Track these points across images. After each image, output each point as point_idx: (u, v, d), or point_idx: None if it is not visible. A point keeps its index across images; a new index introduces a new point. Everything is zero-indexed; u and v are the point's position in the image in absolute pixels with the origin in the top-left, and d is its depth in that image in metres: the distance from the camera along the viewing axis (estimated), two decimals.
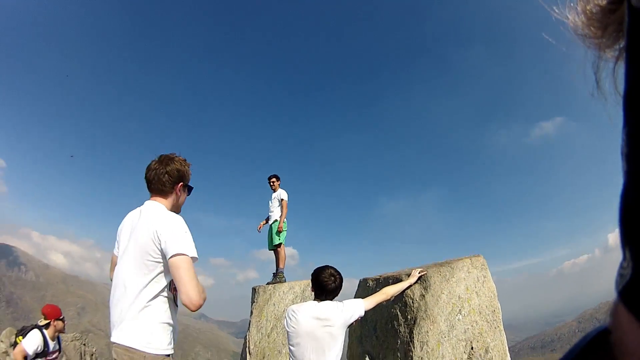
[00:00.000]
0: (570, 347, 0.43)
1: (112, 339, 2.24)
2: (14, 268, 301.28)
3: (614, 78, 0.36)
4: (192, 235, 2.24)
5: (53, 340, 4.51)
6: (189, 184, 2.51)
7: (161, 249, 2.13)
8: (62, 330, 4.58)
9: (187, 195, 2.52)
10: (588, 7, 0.38)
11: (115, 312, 2.27)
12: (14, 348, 4.52)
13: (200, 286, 2.10)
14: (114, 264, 2.45)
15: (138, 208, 2.42)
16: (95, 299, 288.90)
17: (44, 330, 4.43)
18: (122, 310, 2.21)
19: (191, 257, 2.13)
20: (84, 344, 33.88)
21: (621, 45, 0.37)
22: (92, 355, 33.79)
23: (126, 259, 2.27)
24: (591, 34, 0.38)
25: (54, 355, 4.47)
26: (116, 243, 2.48)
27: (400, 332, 3.66)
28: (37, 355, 4.27)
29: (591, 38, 0.38)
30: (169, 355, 2.21)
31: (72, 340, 33.44)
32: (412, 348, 3.35)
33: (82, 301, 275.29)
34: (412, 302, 3.49)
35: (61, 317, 4.60)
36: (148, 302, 2.18)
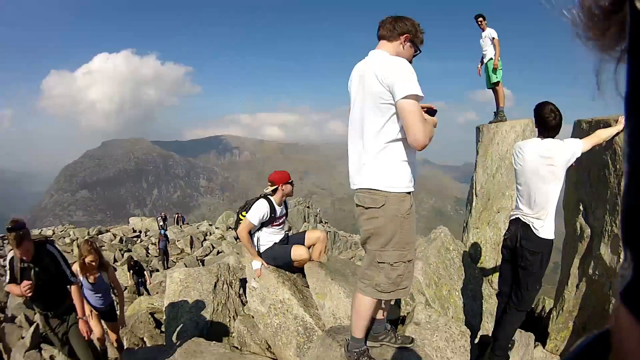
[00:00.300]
0: (571, 349, 0.47)
1: (354, 186, 2.74)
2: (225, 154, 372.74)
3: (615, 79, 0.40)
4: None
5: (280, 205, 4.92)
6: (419, 49, 2.79)
7: (390, 91, 2.44)
8: (290, 194, 4.96)
9: (414, 54, 2.76)
10: (590, 8, 0.41)
11: (354, 158, 2.75)
12: (235, 228, 5.08)
13: (427, 126, 2.44)
14: None
15: (364, 59, 2.76)
16: (318, 159, 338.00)
17: (270, 197, 4.84)
18: (360, 156, 2.68)
19: (417, 97, 2.43)
20: (308, 207, 40.44)
21: (623, 47, 0.40)
22: (316, 216, 40.38)
23: (359, 106, 2.69)
24: (592, 35, 0.41)
25: (281, 220, 4.93)
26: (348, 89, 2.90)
27: (610, 181, 4.07)
28: (263, 224, 4.73)
29: (592, 39, 0.41)
30: (409, 193, 2.66)
31: (295, 206, 40.19)
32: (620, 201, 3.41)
33: (304, 165, 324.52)
34: (621, 151, 3.51)
35: (289, 181, 4.92)
36: (386, 143, 2.56)
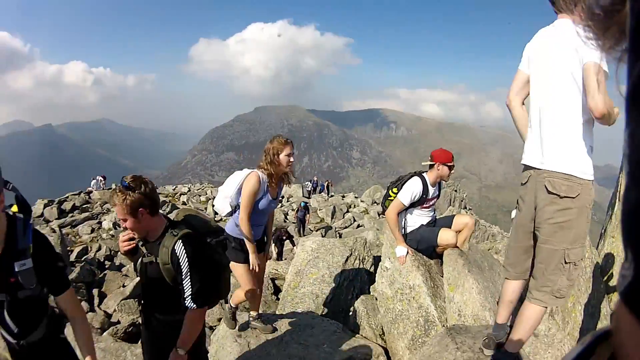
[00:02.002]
0: (572, 349, 0.48)
1: (541, 165, 2.52)
2: (382, 128, 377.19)
3: (616, 79, 0.40)
4: None
5: (434, 185, 4.71)
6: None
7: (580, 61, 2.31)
8: (445, 178, 4.72)
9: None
10: (590, 8, 0.41)
11: (543, 133, 2.54)
12: (382, 204, 5.00)
13: (607, 97, 2.26)
14: (521, 82, 2.78)
15: (548, 27, 2.64)
16: (472, 142, 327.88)
17: (425, 175, 4.65)
18: (551, 132, 2.49)
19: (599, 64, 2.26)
20: (455, 190, 38.94)
21: (623, 47, 0.40)
22: (461, 201, 38.68)
23: (545, 80, 2.55)
24: (593, 34, 0.42)
25: (432, 202, 4.77)
26: (526, 60, 2.74)
27: None
28: (412, 204, 4.59)
29: (593, 39, 0.42)
30: (591, 181, 2.47)
31: (443, 187, 39.20)
32: None
33: (457, 146, 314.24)
34: None
35: (449, 164, 4.63)
36: (582, 122, 2.39)
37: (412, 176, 4.70)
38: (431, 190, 4.66)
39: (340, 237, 17.29)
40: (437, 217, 4.95)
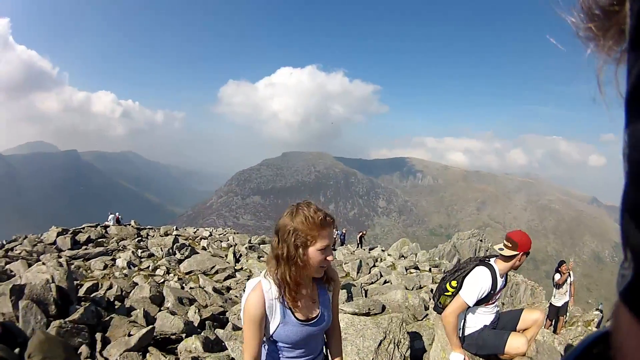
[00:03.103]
0: (571, 350, 0.49)
1: None
2: (408, 177, 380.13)
3: (616, 80, 0.40)
4: None
5: (502, 276, 3.77)
6: None
7: None
8: (517, 267, 3.72)
9: None
10: (590, 9, 0.42)
11: None
12: (435, 298, 3.97)
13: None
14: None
15: None
16: (496, 190, 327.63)
17: (493, 264, 3.70)
18: None
19: None
20: (480, 240, 37.54)
21: (623, 47, 0.41)
22: (487, 250, 37.13)
23: None
24: (593, 35, 0.42)
25: (498, 296, 3.81)
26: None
27: None
28: (478, 302, 3.65)
29: (593, 40, 0.43)
30: None
31: (468, 238, 37.62)
32: None
33: (482, 195, 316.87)
34: None
35: (529, 251, 3.66)
36: None
37: (476, 265, 3.71)
38: (499, 282, 3.68)
39: (365, 293, 16.22)
40: (499, 311, 4.00)
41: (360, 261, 22.71)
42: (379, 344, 5.24)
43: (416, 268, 23.30)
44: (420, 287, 18.56)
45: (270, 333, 2.20)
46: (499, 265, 3.66)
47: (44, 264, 9.95)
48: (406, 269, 22.31)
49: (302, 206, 2.15)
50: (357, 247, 29.21)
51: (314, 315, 2.27)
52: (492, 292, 3.63)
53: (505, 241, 3.65)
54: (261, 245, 24.72)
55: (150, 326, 7.98)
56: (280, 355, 2.28)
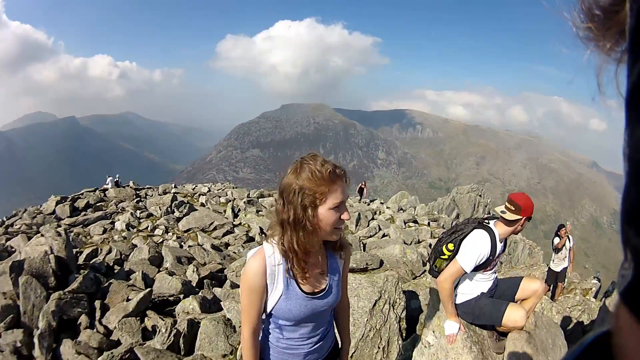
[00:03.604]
0: (571, 350, 0.49)
1: None
2: (407, 129, 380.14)
3: (616, 80, 0.41)
4: None
5: (502, 241, 3.52)
6: None
7: None
8: (518, 232, 3.50)
9: None
10: (590, 9, 0.42)
11: None
12: (431, 262, 3.78)
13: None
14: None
15: None
16: (496, 146, 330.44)
17: (493, 227, 3.46)
18: None
19: None
20: (479, 195, 37.68)
21: (623, 47, 0.41)
22: (485, 206, 37.38)
23: None
24: (593, 35, 0.43)
25: (496, 262, 3.60)
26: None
27: None
28: (475, 268, 3.42)
29: (593, 40, 0.43)
30: None
31: (467, 192, 37.67)
32: None
33: (482, 150, 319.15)
34: None
35: (531, 216, 3.42)
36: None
37: (474, 228, 3.46)
38: (499, 247, 3.46)
39: (364, 247, 16.28)
40: (497, 277, 3.80)
41: (359, 214, 22.71)
42: (374, 304, 5.18)
43: (415, 222, 23.35)
44: (419, 242, 18.63)
45: (270, 307, 1.90)
46: (499, 229, 3.43)
47: (42, 235, 9.89)
48: (405, 223, 22.41)
49: (307, 160, 1.79)
50: (359, 199, 28.98)
51: (322, 288, 1.95)
52: (490, 257, 3.41)
53: (507, 203, 3.40)
54: (260, 199, 24.69)
55: (148, 289, 7.99)
56: (280, 336, 1.98)
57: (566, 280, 10.15)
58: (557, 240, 10.26)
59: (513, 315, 3.39)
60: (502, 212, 3.39)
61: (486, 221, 3.52)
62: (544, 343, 3.53)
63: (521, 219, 3.33)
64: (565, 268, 10.21)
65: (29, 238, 12.53)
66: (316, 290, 1.93)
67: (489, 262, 3.42)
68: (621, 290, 0.39)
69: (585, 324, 6.62)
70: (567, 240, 10.20)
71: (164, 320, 6.92)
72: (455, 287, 3.58)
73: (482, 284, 3.56)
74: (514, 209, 3.32)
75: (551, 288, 10.30)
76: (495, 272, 3.66)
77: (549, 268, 10.33)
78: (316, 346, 2.03)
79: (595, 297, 9.61)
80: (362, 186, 28.92)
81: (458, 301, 3.58)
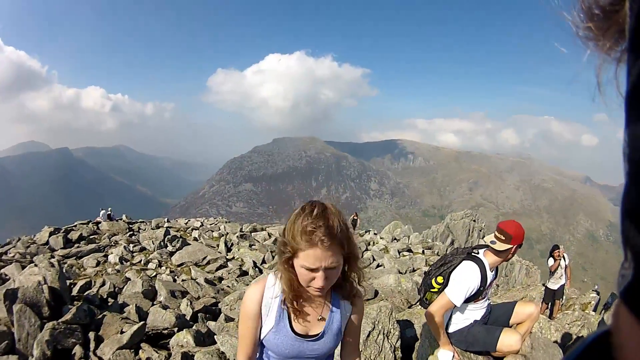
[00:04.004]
0: (572, 350, 0.49)
1: None
2: (399, 159, 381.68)
3: (616, 80, 0.41)
4: None
5: (492, 270, 3.45)
6: None
7: None
8: (508, 259, 3.48)
9: None
10: (590, 8, 0.42)
11: None
12: (421, 294, 3.77)
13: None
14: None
15: None
16: (488, 171, 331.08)
17: (482, 257, 3.40)
18: None
19: None
20: (474, 220, 37.68)
21: (623, 47, 0.41)
22: (480, 230, 37.35)
23: None
24: (593, 35, 0.43)
25: (489, 291, 3.59)
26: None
27: None
28: (466, 299, 3.41)
29: (593, 40, 0.43)
30: None
31: (461, 218, 37.64)
32: None
33: (474, 176, 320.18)
34: None
35: (522, 243, 3.37)
36: None
37: (463, 259, 3.43)
38: (489, 277, 3.41)
39: None
40: (491, 303, 3.76)
41: None
42: (368, 335, 5.16)
43: (409, 250, 23.31)
44: (414, 270, 18.57)
45: (262, 336, 1.90)
46: (488, 259, 3.38)
47: (36, 265, 9.90)
48: (399, 252, 22.34)
49: (306, 208, 1.72)
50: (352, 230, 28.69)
51: (316, 333, 1.88)
52: (481, 288, 3.35)
53: (497, 233, 3.34)
54: (252, 234, 24.51)
55: (142, 322, 7.92)
56: None
57: (564, 297, 10.09)
58: (551, 261, 10.25)
59: (508, 340, 3.36)
60: (492, 242, 3.33)
61: (475, 251, 3.47)
62: None
63: (512, 247, 3.26)
64: (563, 285, 10.11)
65: (23, 267, 12.48)
66: (309, 334, 1.87)
67: (480, 293, 3.38)
68: (621, 290, 0.39)
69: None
70: (562, 259, 10.19)
71: (158, 353, 6.87)
72: (450, 319, 3.56)
73: (474, 312, 3.53)
74: (504, 238, 3.27)
75: (549, 306, 10.23)
76: (487, 300, 3.62)
77: (546, 287, 10.27)
78: None
79: (594, 310, 9.54)
80: (355, 217, 28.69)
81: (451, 330, 3.54)
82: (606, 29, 0.42)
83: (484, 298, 3.52)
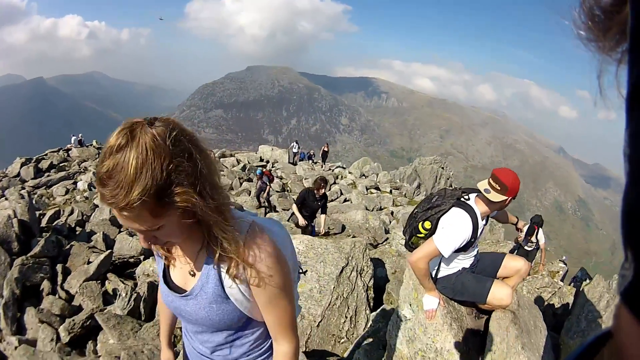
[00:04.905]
0: (573, 350, 0.50)
1: None
2: (372, 97, 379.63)
3: (617, 80, 0.41)
4: None
5: (483, 219, 3.17)
6: None
7: None
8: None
9: None
10: (591, 9, 0.42)
11: None
12: (407, 242, 3.53)
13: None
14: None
15: None
16: (461, 121, 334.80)
17: (474, 206, 3.11)
18: None
19: None
20: (442, 167, 38.30)
21: (624, 48, 0.41)
22: (448, 179, 38.15)
23: None
24: (594, 36, 0.43)
25: (478, 241, 3.30)
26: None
27: None
28: (456, 250, 3.09)
29: (594, 41, 0.43)
30: None
31: (429, 164, 38.14)
32: None
33: (447, 124, 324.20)
34: None
35: (516, 196, 3.05)
36: None
37: (453, 205, 3.15)
38: (480, 226, 3.12)
39: (325, 210, 16.27)
40: (479, 252, 3.57)
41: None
42: (341, 271, 5.13)
43: (377, 188, 23.57)
44: (381, 209, 18.83)
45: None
46: (480, 207, 3.10)
47: (6, 199, 9.55)
48: (367, 189, 22.55)
49: (116, 135, 1.15)
50: (322, 163, 28.50)
51: (185, 290, 1.49)
52: (472, 239, 3.06)
53: (491, 181, 3.02)
54: (221, 159, 24.45)
55: (108, 251, 7.86)
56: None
57: (533, 261, 10.19)
58: (542, 236, 9.93)
59: (499, 293, 3.18)
60: (486, 190, 3.04)
61: (465, 196, 3.21)
62: (527, 324, 3.44)
63: (506, 199, 3.00)
64: (537, 249, 10.03)
65: None
66: (179, 288, 1.51)
67: (470, 244, 3.13)
68: (621, 291, 0.39)
69: (556, 306, 6.71)
70: (539, 235, 9.92)
71: (124, 284, 6.81)
72: (438, 265, 3.37)
73: (463, 261, 3.35)
74: (499, 188, 2.97)
75: None
76: (475, 248, 3.42)
77: (521, 247, 10.11)
78: (195, 349, 1.64)
79: (562, 280, 9.78)
80: (325, 150, 28.35)
81: (438, 276, 3.37)
82: (607, 29, 0.42)
83: (473, 248, 3.34)
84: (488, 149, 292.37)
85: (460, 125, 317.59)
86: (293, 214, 8.86)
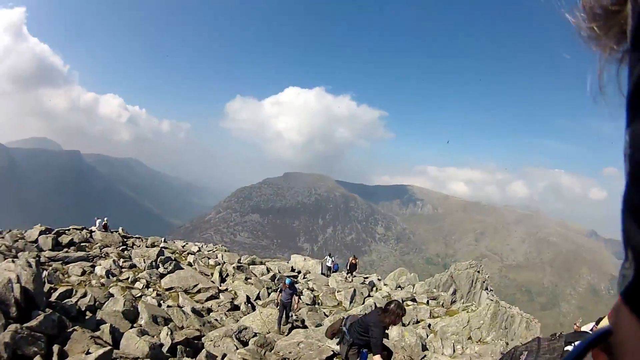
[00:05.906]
0: (572, 349, 0.50)
1: None
2: (408, 205, 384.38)
3: (618, 80, 0.41)
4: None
5: None
6: None
7: None
8: None
9: None
10: (592, 9, 0.43)
11: None
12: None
13: None
14: None
15: None
16: (495, 222, 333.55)
17: None
18: None
19: None
20: (478, 271, 36.44)
21: (625, 47, 0.41)
22: (483, 282, 36.01)
23: None
24: (595, 35, 0.43)
25: None
26: None
27: None
28: None
29: (595, 40, 0.43)
30: None
31: (465, 269, 36.47)
32: None
33: (481, 226, 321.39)
34: None
35: None
36: None
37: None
38: None
39: None
40: None
41: (355, 290, 21.57)
42: None
43: (413, 300, 22.31)
44: (417, 322, 17.47)
45: None
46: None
47: (13, 261, 9.31)
48: (403, 301, 21.15)
49: None
50: (347, 274, 26.77)
51: None
52: None
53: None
54: (250, 266, 23.67)
55: (109, 347, 7.29)
56: None
57: None
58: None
59: None
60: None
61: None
62: None
63: None
64: None
65: (5, 259, 12.09)
66: None
67: None
68: (622, 290, 0.39)
69: None
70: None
71: None
72: None
73: None
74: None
75: None
76: None
77: None
78: None
79: None
80: (354, 261, 26.83)
81: None
82: (608, 29, 0.42)
83: None
84: (522, 246, 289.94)
85: (494, 226, 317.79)
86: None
